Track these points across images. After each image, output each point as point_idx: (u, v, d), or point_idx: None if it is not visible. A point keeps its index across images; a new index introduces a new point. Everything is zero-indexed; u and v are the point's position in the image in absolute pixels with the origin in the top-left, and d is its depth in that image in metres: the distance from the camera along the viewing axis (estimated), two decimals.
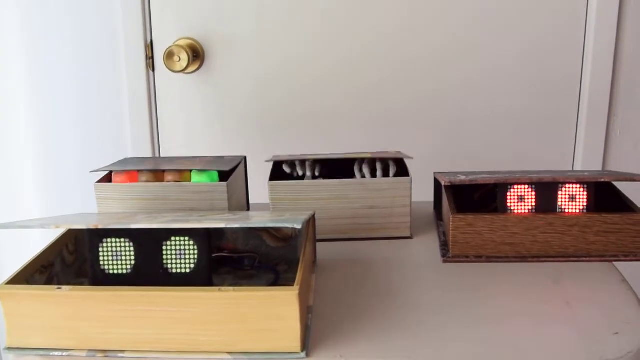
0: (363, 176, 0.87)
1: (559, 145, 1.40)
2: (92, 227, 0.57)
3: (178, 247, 0.63)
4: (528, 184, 0.76)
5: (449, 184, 0.77)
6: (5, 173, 1.50)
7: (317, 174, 0.90)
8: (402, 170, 0.89)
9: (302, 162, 0.91)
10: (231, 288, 0.56)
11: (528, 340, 0.59)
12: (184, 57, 1.32)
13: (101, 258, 0.63)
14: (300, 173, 0.90)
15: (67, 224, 0.59)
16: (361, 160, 0.90)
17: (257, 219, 0.63)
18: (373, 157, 0.88)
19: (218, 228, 0.73)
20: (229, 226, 0.57)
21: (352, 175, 0.88)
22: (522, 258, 0.76)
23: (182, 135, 1.44)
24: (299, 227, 0.57)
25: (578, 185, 0.76)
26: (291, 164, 0.92)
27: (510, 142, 1.40)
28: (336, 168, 0.92)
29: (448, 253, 0.78)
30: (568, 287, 0.70)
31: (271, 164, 0.92)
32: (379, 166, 0.88)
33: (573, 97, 1.37)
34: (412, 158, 0.90)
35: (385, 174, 0.87)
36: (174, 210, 0.80)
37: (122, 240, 0.63)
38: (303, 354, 0.57)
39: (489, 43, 1.35)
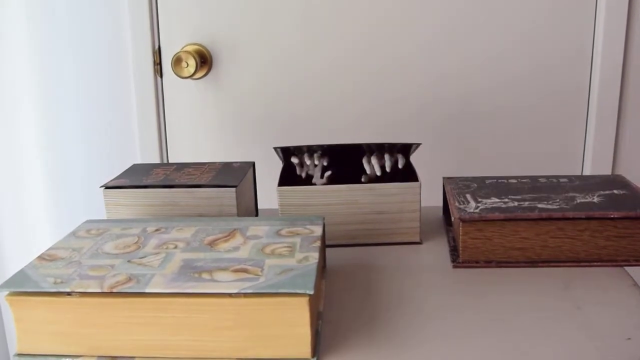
0: (372, 169, 0.90)
1: (568, 147, 1.40)
2: (106, 289, 0.56)
3: None
4: (537, 220, 0.75)
5: (459, 219, 0.75)
6: (14, 179, 1.50)
7: (325, 163, 0.92)
8: (410, 169, 0.90)
9: (311, 155, 0.92)
10: (242, 294, 0.56)
11: (539, 345, 0.59)
12: (192, 62, 1.33)
13: None
14: (308, 162, 0.90)
15: (80, 287, 0.57)
16: (370, 154, 0.91)
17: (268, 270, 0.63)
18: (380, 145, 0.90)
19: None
20: (242, 291, 0.55)
21: (361, 167, 0.93)
22: (532, 263, 0.76)
23: (191, 141, 1.44)
24: (310, 292, 0.55)
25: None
26: (300, 156, 0.93)
27: (520, 144, 1.40)
28: (344, 159, 0.95)
29: (458, 258, 0.78)
30: (579, 291, 0.69)
31: (280, 167, 0.93)
32: (387, 157, 0.89)
33: (582, 99, 1.37)
34: (420, 144, 0.90)
35: (395, 166, 0.90)
36: (183, 216, 0.80)
37: None
38: None
39: (499, 46, 1.35)
